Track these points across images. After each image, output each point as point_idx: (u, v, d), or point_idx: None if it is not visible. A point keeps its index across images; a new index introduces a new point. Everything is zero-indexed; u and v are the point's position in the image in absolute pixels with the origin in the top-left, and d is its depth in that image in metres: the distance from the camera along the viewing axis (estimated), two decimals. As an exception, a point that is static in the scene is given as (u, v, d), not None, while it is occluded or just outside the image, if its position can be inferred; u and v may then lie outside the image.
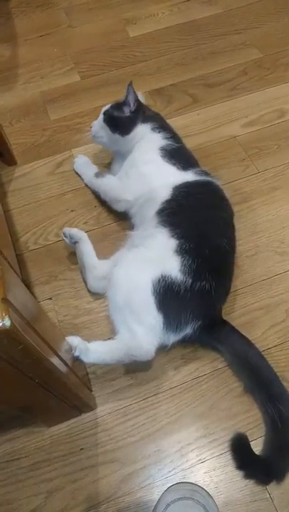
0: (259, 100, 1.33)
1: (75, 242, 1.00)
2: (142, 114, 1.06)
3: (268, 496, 0.78)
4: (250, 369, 0.85)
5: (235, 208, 1.01)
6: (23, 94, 1.40)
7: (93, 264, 0.98)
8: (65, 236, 1.01)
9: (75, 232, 1.00)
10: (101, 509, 0.78)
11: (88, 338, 0.94)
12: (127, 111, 1.05)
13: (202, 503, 0.72)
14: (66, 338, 0.79)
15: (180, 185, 0.96)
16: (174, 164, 1.00)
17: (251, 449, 0.79)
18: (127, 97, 1.05)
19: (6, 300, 0.46)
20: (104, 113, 1.08)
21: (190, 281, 0.83)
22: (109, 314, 0.89)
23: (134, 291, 0.83)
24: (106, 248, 1.04)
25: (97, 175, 1.13)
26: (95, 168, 1.16)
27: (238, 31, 1.51)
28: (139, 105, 1.07)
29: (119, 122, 1.06)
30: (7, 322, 0.45)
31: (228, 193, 1.00)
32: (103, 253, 1.03)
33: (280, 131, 1.26)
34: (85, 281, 1.00)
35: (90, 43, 1.52)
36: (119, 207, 1.06)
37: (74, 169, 1.20)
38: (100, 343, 0.84)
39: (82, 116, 1.33)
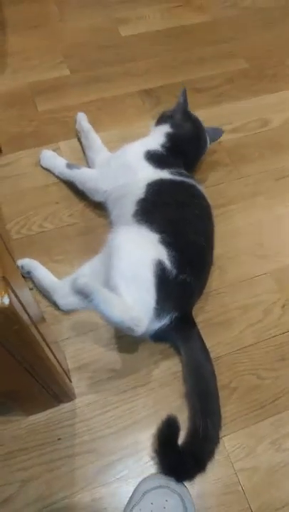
0: (244, 108, 1.37)
1: (29, 272, 0.98)
2: (176, 117, 1.12)
3: (240, 488, 0.81)
4: (199, 380, 0.87)
5: (217, 211, 1.04)
6: (10, 83, 1.38)
7: (54, 285, 0.95)
8: (18, 268, 0.98)
9: (27, 261, 0.99)
10: (76, 499, 0.78)
11: (71, 330, 0.95)
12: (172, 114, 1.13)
13: (177, 491, 0.74)
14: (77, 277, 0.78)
15: (153, 182, 0.97)
16: (151, 163, 1.01)
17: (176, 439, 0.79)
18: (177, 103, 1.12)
19: (5, 279, 0.46)
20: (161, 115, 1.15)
21: (175, 271, 0.84)
22: (110, 285, 0.82)
23: (140, 266, 0.82)
24: (90, 242, 1.05)
25: (70, 166, 1.13)
26: (63, 160, 1.16)
27: (226, 40, 1.55)
28: (182, 113, 1.12)
29: (160, 118, 1.13)
30: (6, 300, 0.45)
31: (209, 196, 1.02)
32: (87, 247, 1.04)
33: (263, 140, 1.30)
34: (55, 305, 0.96)
35: (81, 39, 1.52)
36: (97, 197, 1.07)
37: (41, 165, 1.18)
38: (110, 292, 0.79)
39: (69, 109, 1.32)
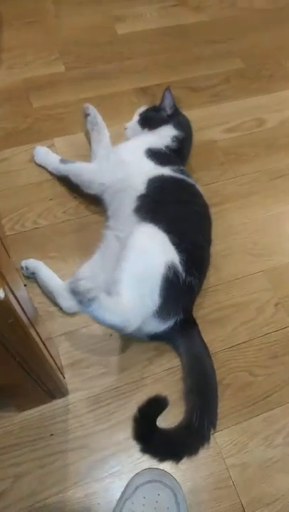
0: (240, 108, 1.38)
1: (33, 273, 0.98)
2: (176, 120, 1.11)
3: (232, 483, 0.81)
4: (201, 378, 0.87)
5: (212, 210, 1.03)
6: (5, 79, 1.38)
7: (58, 287, 0.95)
8: (22, 269, 0.99)
9: (31, 262, 0.98)
10: (69, 494, 0.78)
11: (65, 326, 0.95)
12: (164, 114, 1.11)
13: (170, 485, 0.75)
14: (79, 277, 0.73)
15: (155, 177, 0.98)
16: (153, 160, 1.02)
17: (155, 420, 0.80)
18: (163, 101, 1.09)
19: (0, 273, 0.47)
20: (140, 114, 1.13)
21: (184, 274, 0.85)
22: (114, 275, 0.82)
23: (150, 268, 0.82)
24: (84, 239, 1.05)
25: (63, 161, 1.13)
26: (57, 156, 1.16)
27: (223, 40, 1.56)
28: (176, 111, 1.12)
29: (152, 119, 1.11)
30: (1, 293, 0.45)
31: (205, 194, 1.03)
32: (81, 243, 1.04)
33: (259, 140, 1.31)
34: (58, 306, 0.95)
35: (77, 36, 1.52)
36: (92, 190, 1.06)
37: (35, 161, 1.18)
38: (106, 295, 0.77)
39: (65, 106, 1.32)
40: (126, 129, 1.18)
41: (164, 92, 1.09)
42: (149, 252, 0.84)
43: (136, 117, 1.15)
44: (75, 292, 0.72)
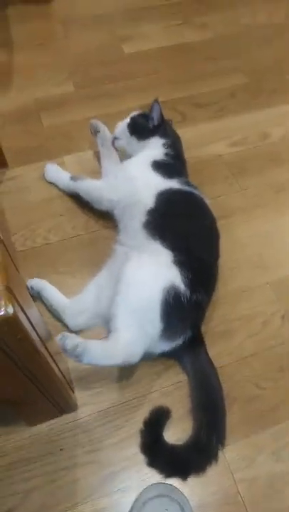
0: (244, 123, 1.40)
1: (38, 293, 0.99)
2: (162, 130, 1.13)
3: (240, 499, 0.81)
4: (208, 395, 0.88)
5: (218, 223, 1.05)
6: (17, 99, 1.42)
7: (64, 305, 0.96)
8: (28, 289, 1.00)
9: (36, 281, 1.00)
10: (78, 509, 0.78)
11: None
12: (150, 124, 1.13)
13: (177, 500, 0.75)
14: (64, 335, 0.77)
15: (163, 191, 0.99)
16: (160, 174, 1.04)
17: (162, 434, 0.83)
18: (151, 112, 1.12)
19: (9, 288, 0.48)
20: (131, 118, 1.16)
21: (189, 292, 0.85)
22: (111, 310, 0.85)
23: (146, 298, 0.83)
24: (92, 254, 1.07)
25: (74, 178, 1.16)
26: (67, 173, 1.19)
27: (226, 56, 1.59)
28: (162, 121, 1.14)
29: (140, 128, 1.14)
30: (10, 310, 0.47)
31: (211, 207, 1.04)
32: (91, 259, 1.06)
33: (263, 153, 1.33)
34: (64, 324, 0.96)
35: (85, 56, 1.56)
36: (102, 206, 1.09)
37: (46, 179, 1.21)
38: (99, 343, 0.82)
39: (74, 124, 1.36)
40: (116, 128, 1.18)
41: (152, 103, 1.13)
42: (142, 282, 0.85)
43: (127, 119, 1.17)
44: (62, 350, 0.75)
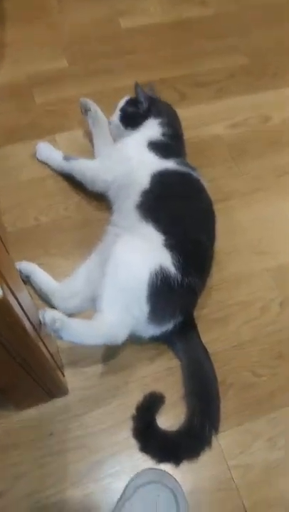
0: (245, 104, 1.36)
1: (27, 276, 0.96)
2: (154, 110, 1.09)
3: (234, 485, 0.80)
4: (201, 381, 0.87)
5: (216, 206, 1.01)
6: (8, 74, 1.37)
7: (53, 289, 0.94)
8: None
9: (25, 265, 0.96)
10: (68, 494, 0.77)
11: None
12: (140, 108, 1.09)
13: (170, 486, 0.73)
14: (45, 310, 0.74)
15: (159, 172, 0.96)
16: (156, 154, 1.00)
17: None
18: (137, 97, 1.07)
19: (-3, 270, 0.45)
20: (121, 110, 1.11)
21: (180, 276, 0.83)
22: (98, 290, 0.84)
23: (132, 279, 0.82)
24: (85, 236, 1.04)
25: (67, 158, 1.12)
26: (60, 153, 1.15)
27: (227, 35, 1.54)
28: (152, 101, 1.10)
29: (132, 117, 1.10)
30: (0, 292, 0.44)
31: (209, 190, 1.01)
32: (82, 240, 1.03)
33: (264, 136, 1.29)
34: (55, 307, 0.93)
35: (80, 31, 1.50)
36: (96, 187, 1.06)
37: (38, 158, 1.16)
38: (81, 321, 0.81)
39: (68, 101, 1.30)
40: (110, 124, 1.15)
41: (135, 88, 1.09)
42: (130, 263, 0.83)
43: (118, 113, 1.13)
44: (42, 323, 0.73)
